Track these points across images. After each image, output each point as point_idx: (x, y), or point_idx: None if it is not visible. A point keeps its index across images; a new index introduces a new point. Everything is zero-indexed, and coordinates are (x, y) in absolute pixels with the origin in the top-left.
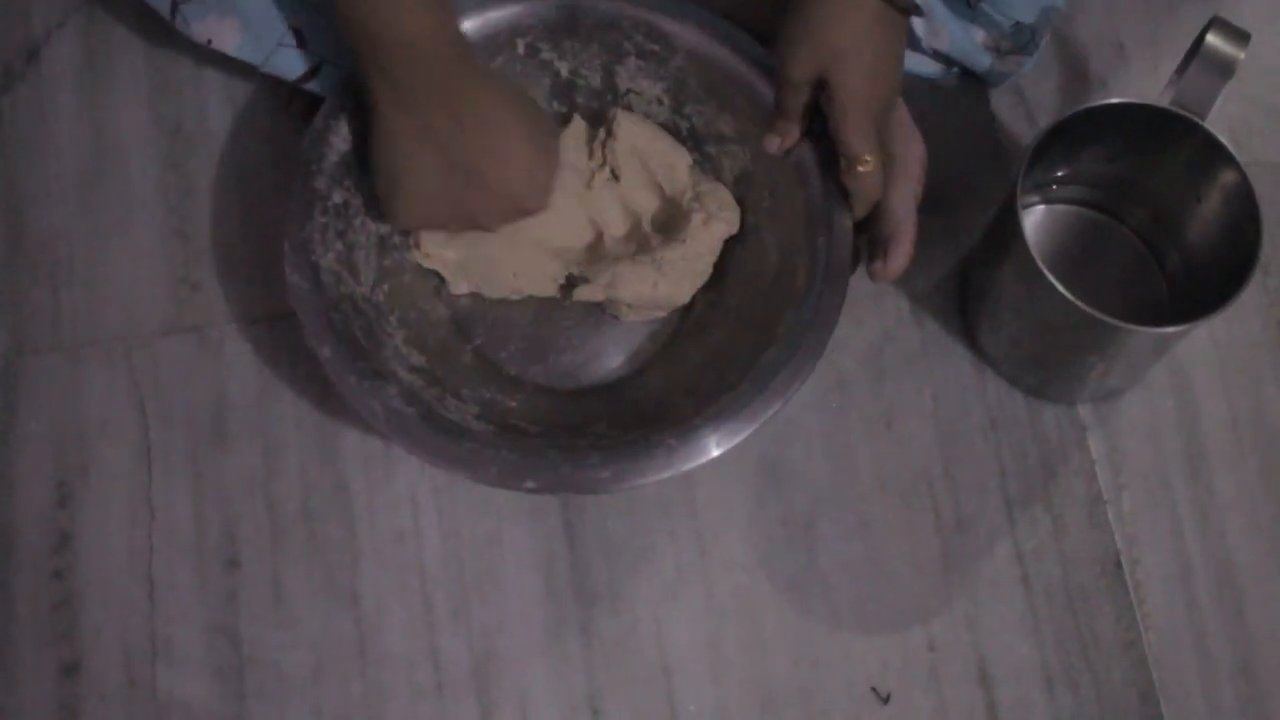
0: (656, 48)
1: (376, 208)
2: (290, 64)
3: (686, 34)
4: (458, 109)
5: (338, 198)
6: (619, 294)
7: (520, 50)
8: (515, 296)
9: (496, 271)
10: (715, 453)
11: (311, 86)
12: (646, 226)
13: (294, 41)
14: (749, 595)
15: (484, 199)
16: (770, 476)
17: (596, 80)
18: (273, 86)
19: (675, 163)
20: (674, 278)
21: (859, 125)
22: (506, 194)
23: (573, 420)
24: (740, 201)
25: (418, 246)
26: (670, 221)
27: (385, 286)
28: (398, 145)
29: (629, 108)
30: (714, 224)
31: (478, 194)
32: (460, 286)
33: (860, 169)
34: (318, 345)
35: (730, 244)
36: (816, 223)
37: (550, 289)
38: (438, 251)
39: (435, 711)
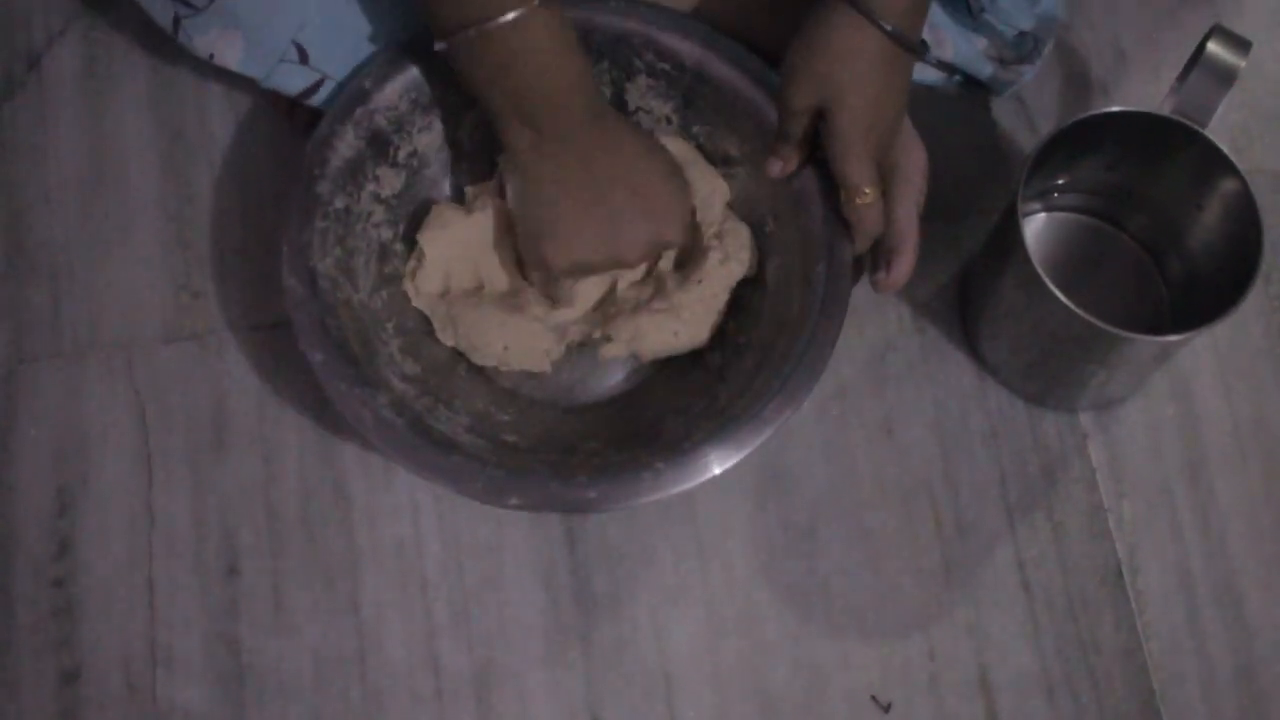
0: (666, 66)
1: (527, 257)
2: (292, 80)
3: (696, 54)
4: (598, 153)
5: (339, 203)
6: (643, 349)
7: None
8: (503, 368)
9: (487, 339)
10: (704, 477)
11: (312, 102)
12: (665, 263)
13: (296, 57)
14: (749, 602)
15: (630, 235)
16: (771, 483)
17: (606, 96)
18: (274, 97)
19: (714, 191)
20: (693, 322)
21: (857, 157)
22: (651, 228)
23: (565, 437)
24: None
25: (412, 279)
26: (688, 255)
27: (384, 294)
28: (543, 190)
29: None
30: (730, 265)
31: (624, 230)
32: (447, 338)
33: (859, 201)
34: (310, 350)
35: None
36: (816, 250)
37: (542, 364)
38: (429, 290)
39: (435, 718)
